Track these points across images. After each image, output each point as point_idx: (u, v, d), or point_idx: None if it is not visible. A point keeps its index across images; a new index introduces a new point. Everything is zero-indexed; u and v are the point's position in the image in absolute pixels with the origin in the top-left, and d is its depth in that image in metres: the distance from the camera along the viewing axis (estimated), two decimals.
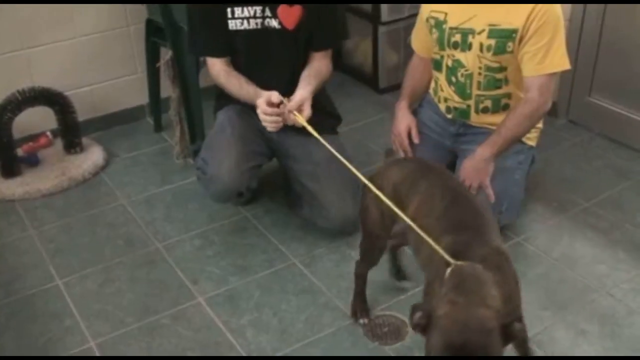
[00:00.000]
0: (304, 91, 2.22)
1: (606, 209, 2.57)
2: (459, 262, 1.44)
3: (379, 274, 2.20)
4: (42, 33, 2.98)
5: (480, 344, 1.30)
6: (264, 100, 2.17)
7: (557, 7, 2.20)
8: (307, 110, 2.18)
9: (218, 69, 2.36)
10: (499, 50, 2.22)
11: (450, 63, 2.35)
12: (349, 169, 2.48)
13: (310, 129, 2.07)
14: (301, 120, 2.12)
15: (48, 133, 3.04)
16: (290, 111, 2.16)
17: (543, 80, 2.22)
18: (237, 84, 2.32)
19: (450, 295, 1.37)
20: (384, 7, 3.34)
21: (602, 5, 2.87)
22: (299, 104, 2.17)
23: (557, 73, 2.26)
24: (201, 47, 2.41)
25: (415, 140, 2.48)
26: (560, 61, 2.22)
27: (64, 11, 3.00)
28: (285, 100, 2.18)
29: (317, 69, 2.35)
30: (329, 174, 2.40)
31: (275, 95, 2.17)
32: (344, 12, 2.45)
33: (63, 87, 2.95)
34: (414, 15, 3.28)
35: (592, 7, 2.90)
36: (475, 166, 2.28)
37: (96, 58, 3.14)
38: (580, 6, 2.91)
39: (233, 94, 2.35)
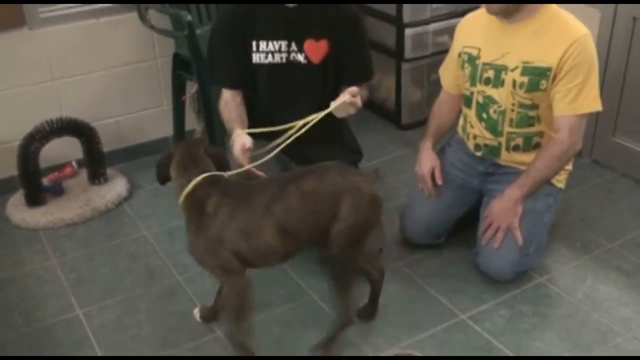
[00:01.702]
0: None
1: (631, 250, 2.54)
2: None
3: (396, 307, 2.18)
4: (72, 65, 3.04)
5: None
6: (239, 147, 2.15)
7: (593, 49, 2.20)
8: (358, 100, 2.19)
9: (224, 98, 2.37)
10: (532, 87, 2.22)
11: (481, 99, 2.35)
12: None
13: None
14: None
15: (73, 163, 3.08)
16: (350, 92, 2.16)
17: (574, 120, 2.21)
18: (226, 116, 2.33)
19: None
20: (408, 44, 3.36)
21: (626, 44, 2.86)
22: (356, 91, 2.18)
23: (588, 114, 2.24)
24: (218, 77, 2.40)
25: (439, 181, 2.47)
26: (592, 102, 2.21)
27: (94, 43, 3.06)
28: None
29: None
30: None
31: (248, 142, 2.16)
32: (369, 49, 2.45)
33: (90, 118, 2.99)
34: (438, 53, 3.35)
35: (616, 46, 2.90)
36: (504, 207, 2.26)
37: (123, 90, 3.19)
38: (604, 45, 2.91)
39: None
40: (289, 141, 2.14)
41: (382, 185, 2.94)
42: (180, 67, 3.05)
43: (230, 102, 2.34)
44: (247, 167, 2.09)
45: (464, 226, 2.57)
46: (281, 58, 2.31)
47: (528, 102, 2.26)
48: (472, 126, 2.42)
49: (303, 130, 2.13)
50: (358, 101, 2.19)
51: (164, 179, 1.98)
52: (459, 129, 2.54)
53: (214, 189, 1.88)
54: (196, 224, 1.89)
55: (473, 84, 2.36)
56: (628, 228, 2.67)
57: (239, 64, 2.34)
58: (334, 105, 2.15)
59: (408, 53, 3.40)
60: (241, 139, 2.18)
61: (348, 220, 1.91)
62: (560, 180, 2.40)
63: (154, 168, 1.99)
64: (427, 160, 2.48)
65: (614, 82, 2.95)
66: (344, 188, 1.92)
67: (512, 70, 2.24)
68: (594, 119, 3.00)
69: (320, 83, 2.35)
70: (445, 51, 2.62)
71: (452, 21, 3.30)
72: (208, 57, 2.44)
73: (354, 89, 2.18)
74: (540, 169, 2.25)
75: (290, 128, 2.16)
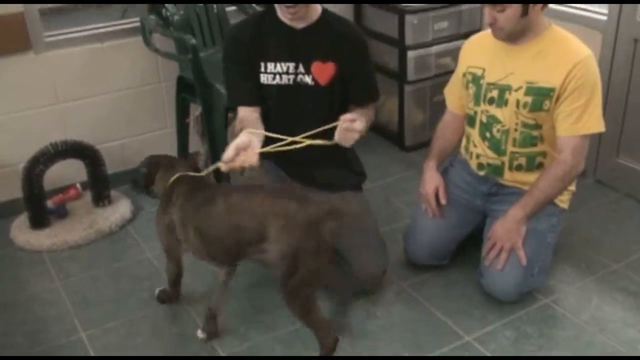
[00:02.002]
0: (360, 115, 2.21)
1: (636, 271, 2.52)
2: None
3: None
4: (77, 88, 3.07)
5: None
6: (236, 143, 2.07)
7: (596, 70, 2.21)
8: (358, 125, 2.15)
9: (240, 116, 2.34)
10: (535, 107, 2.23)
11: (484, 119, 2.36)
12: (374, 226, 2.50)
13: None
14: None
15: (78, 185, 3.09)
16: (345, 120, 2.13)
17: (577, 141, 2.22)
18: (237, 129, 2.28)
19: None
20: (411, 66, 3.38)
21: (628, 66, 2.88)
22: (354, 117, 2.15)
23: (591, 135, 2.25)
24: (234, 96, 2.39)
25: (443, 201, 2.47)
26: (596, 123, 2.22)
27: (99, 67, 3.08)
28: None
29: (361, 112, 2.35)
30: (354, 229, 2.39)
31: (250, 142, 2.09)
32: (374, 70, 2.48)
33: (94, 141, 3.01)
34: (441, 75, 3.37)
35: (618, 68, 2.91)
36: (507, 227, 2.26)
37: (128, 113, 3.21)
38: (606, 67, 2.93)
39: None
40: (271, 149, 2.10)
41: (387, 206, 2.96)
42: (184, 90, 3.07)
43: (246, 118, 2.29)
44: (217, 165, 2.07)
45: (468, 247, 2.56)
46: (289, 79, 2.33)
47: (531, 122, 2.26)
48: (475, 145, 2.43)
49: (298, 146, 2.12)
50: (356, 126, 2.14)
51: (149, 183, 2.24)
52: (462, 149, 2.55)
53: (183, 185, 2.13)
54: (163, 209, 2.17)
55: (477, 104, 2.37)
56: (633, 249, 2.66)
57: (252, 80, 2.34)
58: (336, 137, 2.15)
59: (411, 75, 3.42)
60: (245, 137, 2.09)
61: (279, 243, 1.92)
62: (563, 201, 2.40)
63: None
64: (430, 180, 2.49)
65: (616, 103, 2.96)
66: (269, 212, 1.93)
67: (516, 90, 2.25)
68: (597, 139, 3.00)
69: (327, 104, 2.36)
70: (447, 73, 2.65)
71: (454, 43, 3.33)
72: (225, 83, 2.45)
73: (348, 115, 2.15)
74: (543, 190, 2.25)
75: (294, 142, 2.13)
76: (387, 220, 2.89)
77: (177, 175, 2.16)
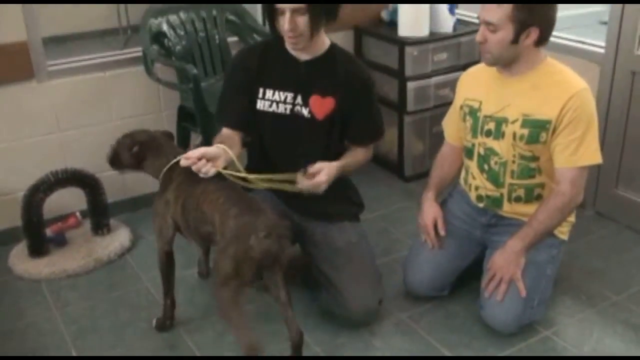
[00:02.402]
0: (329, 163, 2.24)
1: (637, 303, 2.51)
2: None
3: None
4: (78, 116, 3.08)
5: None
6: (202, 150, 2.10)
7: (592, 102, 2.23)
8: (321, 177, 2.18)
9: (222, 133, 2.35)
10: (532, 139, 2.24)
11: (482, 151, 2.37)
12: (370, 257, 2.49)
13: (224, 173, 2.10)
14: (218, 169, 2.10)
15: (77, 214, 3.09)
16: (305, 173, 2.16)
17: (575, 172, 2.22)
18: (215, 142, 2.26)
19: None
20: (410, 97, 3.40)
21: (626, 97, 2.90)
22: (317, 169, 2.19)
23: (588, 167, 2.26)
24: (220, 114, 2.42)
25: (442, 232, 2.47)
26: (593, 155, 2.23)
27: (101, 95, 3.10)
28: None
29: (353, 153, 2.40)
30: (348, 261, 2.39)
31: (209, 153, 2.10)
32: (379, 109, 2.46)
33: (94, 169, 3.01)
34: (440, 106, 3.39)
35: (616, 100, 2.93)
36: (507, 259, 2.26)
37: None
38: (604, 99, 2.95)
39: None
40: (229, 174, 2.11)
41: (385, 237, 2.95)
42: (185, 119, 3.08)
43: (226, 136, 2.30)
44: (178, 159, 2.13)
45: (468, 278, 2.55)
46: (285, 109, 2.34)
47: (529, 154, 2.27)
48: (473, 177, 2.43)
49: (260, 186, 2.17)
50: (317, 180, 2.18)
51: (140, 159, 2.32)
52: (461, 181, 2.56)
53: (184, 169, 2.12)
54: (162, 189, 2.27)
55: (474, 136, 2.38)
56: (634, 281, 2.65)
57: (241, 105, 2.36)
58: (300, 185, 2.19)
59: (410, 106, 3.44)
60: (216, 150, 2.10)
61: (218, 238, 2.07)
62: (563, 232, 2.40)
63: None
64: (429, 211, 2.49)
65: (615, 135, 2.97)
66: (218, 209, 2.06)
67: (513, 122, 2.26)
68: (596, 171, 3.01)
69: (323, 138, 2.36)
70: (446, 104, 2.66)
71: (453, 74, 3.36)
72: (219, 98, 2.46)
73: (314, 168, 2.19)
74: (542, 221, 2.25)
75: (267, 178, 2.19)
76: (387, 251, 2.89)
77: (176, 159, 2.20)
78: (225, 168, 2.11)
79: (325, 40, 2.33)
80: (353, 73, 2.33)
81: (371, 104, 2.40)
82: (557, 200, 2.24)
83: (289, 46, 2.28)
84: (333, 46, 2.35)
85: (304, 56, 2.31)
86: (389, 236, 3.01)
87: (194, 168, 2.05)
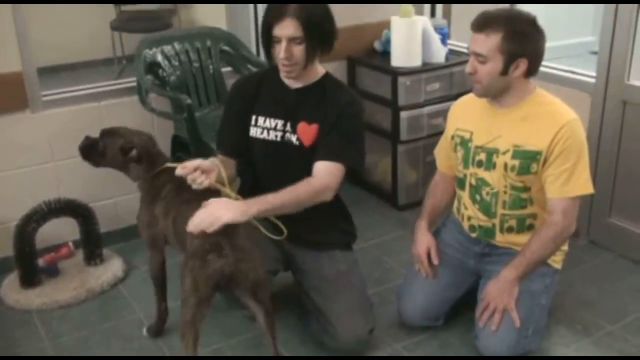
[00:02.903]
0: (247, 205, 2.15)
1: (632, 333, 2.50)
2: None
3: None
4: (72, 146, 3.03)
5: None
6: (196, 162, 2.14)
7: (582, 133, 2.24)
8: (207, 180, 2.14)
9: (218, 156, 2.37)
10: (523, 170, 2.25)
11: (474, 181, 2.38)
12: (361, 286, 2.48)
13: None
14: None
15: (70, 244, 3.07)
16: (198, 169, 2.12)
17: (566, 203, 2.23)
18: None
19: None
20: (404, 126, 3.42)
21: (618, 126, 2.92)
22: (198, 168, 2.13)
23: (580, 196, 2.26)
24: (219, 144, 2.46)
25: (435, 261, 2.47)
26: (584, 185, 2.24)
27: (95, 125, 3.07)
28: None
29: (305, 182, 2.23)
30: (337, 290, 2.38)
31: (204, 165, 2.14)
32: (357, 136, 2.35)
33: (87, 199, 3.01)
34: (433, 135, 3.40)
35: (607, 129, 2.95)
36: (500, 288, 2.25)
37: None
38: (596, 128, 2.97)
39: None
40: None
41: (379, 266, 2.95)
42: (180, 149, 3.08)
43: (221, 162, 2.28)
44: (175, 165, 2.15)
45: (462, 308, 2.54)
46: (276, 136, 2.35)
47: (520, 184, 2.28)
48: (466, 207, 2.44)
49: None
50: (196, 177, 2.12)
51: (129, 162, 2.34)
52: (454, 210, 2.56)
53: (172, 178, 2.19)
54: (150, 201, 2.32)
55: (466, 167, 2.39)
56: (629, 310, 2.64)
57: (236, 133, 2.39)
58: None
59: (404, 135, 3.45)
60: (211, 165, 2.15)
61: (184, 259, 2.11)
62: (556, 261, 2.40)
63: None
64: (422, 240, 2.49)
65: (607, 163, 2.99)
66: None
67: (504, 153, 2.28)
68: (589, 200, 3.02)
69: (311, 165, 2.34)
70: (439, 133, 2.68)
71: (445, 104, 3.37)
72: (220, 125, 2.50)
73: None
74: (535, 251, 2.25)
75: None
76: (380, 280, 2.88)
77: (164, 166, 2.28)
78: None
79: (318, 69, 2.34)
80: (337, 98, 2.31)
81: (350, 127, 2.29)
82: (549, 230, 2.24)
83: (282, 74, 2.30)
84: (326, 75, 2.36)
85: (296, 84, 2.32)
86: (383, 265, 3.00)
87: (189, 177, 2.10)
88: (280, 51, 2.18)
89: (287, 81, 2.33)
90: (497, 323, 2.26)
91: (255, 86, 2.39)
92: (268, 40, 2.22)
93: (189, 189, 2.15)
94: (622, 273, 2.91)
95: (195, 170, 2.10)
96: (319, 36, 2.21)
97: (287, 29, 2.15)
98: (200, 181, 2.10)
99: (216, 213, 2.05)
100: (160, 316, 2.52)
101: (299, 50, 2.18)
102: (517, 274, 2.25)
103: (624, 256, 3.01)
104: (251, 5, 3.52)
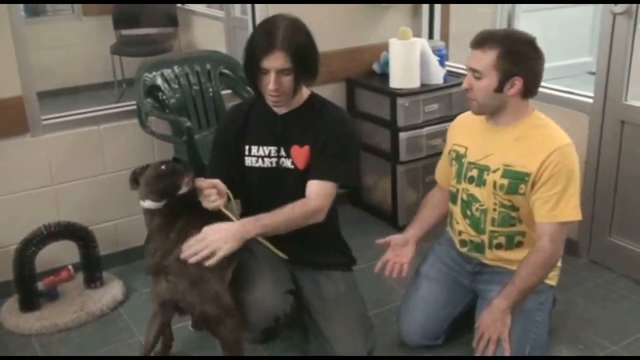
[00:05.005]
0: (242, 220, 2.20)
1: (634, 352, 2.49)
2: None
3: None
4: (72, 170, 3.08)
5: None
6: (215, 181, 2.23)
7: (574, 159, 2.25)
8: (220, 201, 2.20)
9: None
10: (511, 190, 2.26)
11: (465, 197, 2.39)
12: (360, 306, 2.47)
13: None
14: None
15: (69, 267, 3.07)
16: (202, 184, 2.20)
17: (555, 228, 2.23)
18: None
19: None
20: (403, 147, 3.43)
21: (616, 146, 2.92)
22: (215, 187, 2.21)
23: (569, 222, 2.26)
24: (209, 174, 2.42)
25: (403, 274, 2.48)
26: (572, 212, 2.24)
27: (95, 149, 3.11)
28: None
29: (301, 203, 2.25)
30: (337, 310, 2.37)
31: (219, 184, 2.23)
32: (356, 159, 2.39)
33: (87, 222, 3.00)
34: (432, 155, 3.41)
35: (606, 149, 2.96)
36: (493, 318, 2.22)
37: (122, 194, 3.18)
38: (594, 148, 2.98)
39: None
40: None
41: (379, 287, 2.93)
42: None
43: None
44: (201, 180, 2.21)
45: (461, 328, 2.53)
46: (271, 163, 2.36)
47: (508, 203, 2.30)
48: (457, 222, 2.46)
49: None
50: (208, 195, 2.20)
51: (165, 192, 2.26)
52: (448, 226, 2.57)
53: (186, 209, 2.25)
54: (166, 223, 2.27)
55: (459, 182, 2.41)
56: (631, 329, 2.63)
57: (224, 163, 2.40)
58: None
59: (403, 156, 3.46)
60: (223, 186, 2.23)
61: None
62: (551, 278, 2.38)
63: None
64: (403, 252, 2.51)
65: (606, 182, 2.99)
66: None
67: (494, 171, 2.29)
68: (589, 219, 3.02)
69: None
70: (438, 154, 2.71)
71: (444, 125, 3.39)
72: (209, 161, 2.52)
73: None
74: (525, 278, 2.23)
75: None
76: (381, 301, 2.87)
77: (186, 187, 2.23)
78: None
79: (303, 92, 2.34)
80: (326, 117, 2.32)
81: (342, 145, 2.29)
82: (537, 256, 2.24)
83: (270, 103, 2.29)
84: (312, 95, 2.37)
85: (281, 110, 2.33)
86: (383, 286, 2.99)
87: (205, 192, 2.18)
88: (269, 82, 2.18)
89: (273, 108, 2.33)
90: (492, 353, 2.22)
91: (244, 116, 2.39)
92: (254, 71, 2.22)
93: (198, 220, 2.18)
94: (623, 292, 2.90)
95: (213, 188, 2.17)
96: (306, 65, 2.22)
97: (276, 61, 2.14)
98: (213, 199, 2.16)
99: (213, 245, 2.06)
100: (165, 342, 2.48)
101: (287, 80, 2.19)
102: (508, 303, 2.22)
103: (625, 275, 3.00)
104: (250, 29, 3.55)
